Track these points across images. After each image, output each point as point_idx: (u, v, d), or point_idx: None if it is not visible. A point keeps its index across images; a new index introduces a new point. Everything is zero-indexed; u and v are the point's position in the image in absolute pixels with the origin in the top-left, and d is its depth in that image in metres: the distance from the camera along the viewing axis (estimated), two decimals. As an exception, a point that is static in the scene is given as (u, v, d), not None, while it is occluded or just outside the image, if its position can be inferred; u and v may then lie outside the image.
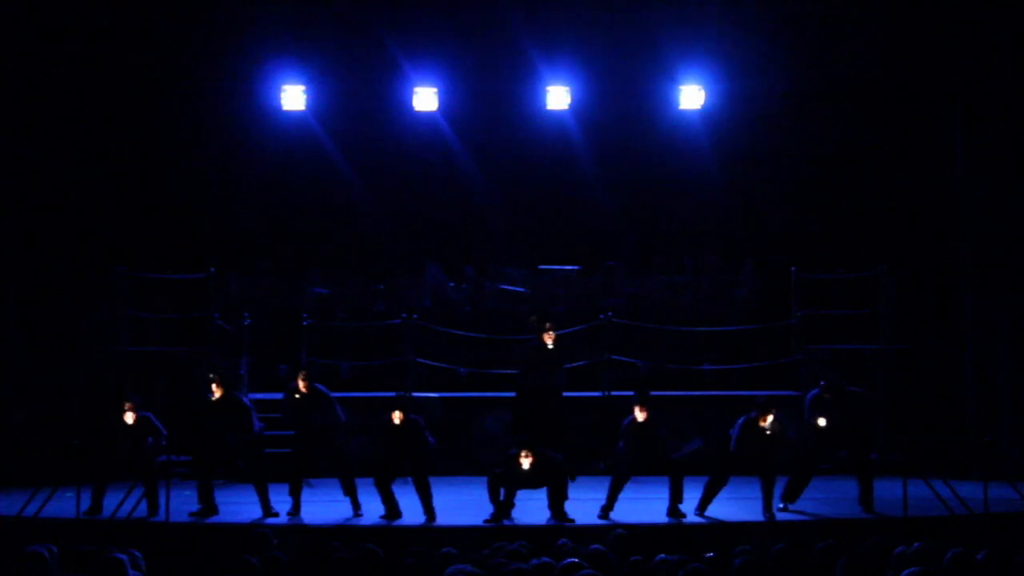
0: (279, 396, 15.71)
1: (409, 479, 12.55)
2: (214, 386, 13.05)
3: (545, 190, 18.91)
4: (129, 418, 13.05)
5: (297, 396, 13.24)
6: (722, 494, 12.67)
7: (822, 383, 13.29)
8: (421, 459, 12.62)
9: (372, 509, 12.68)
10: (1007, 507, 12.39)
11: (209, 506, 12.72)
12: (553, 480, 12.39)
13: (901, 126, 17.53)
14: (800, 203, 18.25)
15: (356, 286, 18.06)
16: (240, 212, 18.30)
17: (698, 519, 12.45)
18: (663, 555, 8.22)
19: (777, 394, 16.24)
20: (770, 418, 12.67)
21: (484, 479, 12.65)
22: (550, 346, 14.82)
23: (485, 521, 12.15)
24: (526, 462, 12.35)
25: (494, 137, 18.62)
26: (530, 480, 12.43)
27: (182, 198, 18.10)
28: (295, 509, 12.73)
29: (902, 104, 17.37)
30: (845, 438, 13.12)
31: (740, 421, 12.85)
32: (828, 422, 13.04)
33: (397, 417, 12.72)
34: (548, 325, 14.84)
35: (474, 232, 18.89)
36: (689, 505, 12.58)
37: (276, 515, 12.60)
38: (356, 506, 12.74)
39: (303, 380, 13.30)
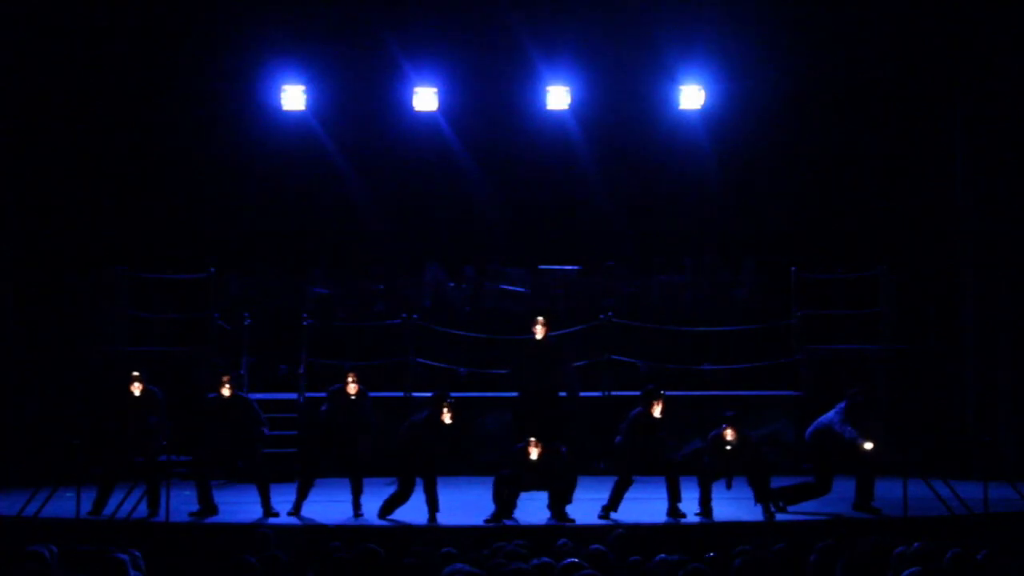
0: (280, 396, 15.80)
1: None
2: (226, 385, 13.00)
3: (545, 190, 18.91)
4: (136, 389, 13.06)
5: (352, 398, 13.14)
6: (723, 494, 12.66)
7: (854, 391, 13.14)
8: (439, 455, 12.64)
9: (372, 509, 12.67)
10: (1007, 507, 12.39)
11: (208, 506, 12.71)
12: (557, 483, 12.37)
13: (901, 126, 17.53)
14: (800, 203, 18.26)
15: (356, 286, 18.06)
16: (240, 212, 18.30)
17: (697, 519, 12.43)
18: (663, 555, 8.22)
19: (777, 394, 16.31)
20: (729, 434, 12.66)
21: (484, 479, 12.64)
22: (539, 337, 14.65)
23: (486, 521, 12.15)
24: (534, 452, 12.35)
25: (494, 137, 18.62)
26: (535, 482, 12.43)
27: (182, 198, 18.10)
28: (296, 508, 12.71)
29: (902, 104, 17.37)
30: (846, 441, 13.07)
31: (711, 434, 12.87)
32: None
33: (449, 417, 12.65)
34: (538, 319, 14.63)
35: (474, 232, 18.89)
36: (690, 506, 12.57)
37: (276, 515, 12.59)
38: (357, 507, 12.72)
39: (355, 383, 13.16)
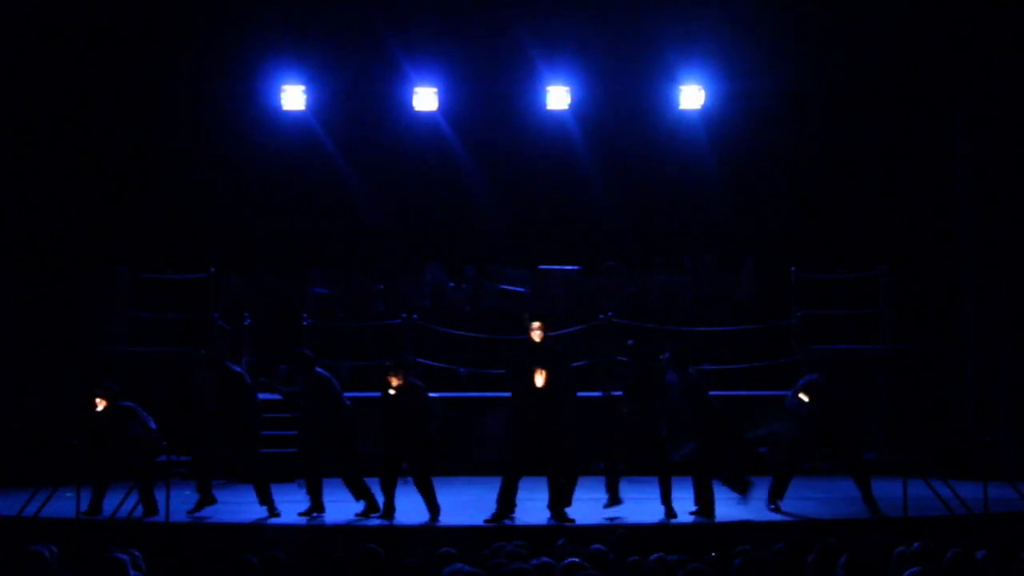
0: (280, 397, 15.77)
1: (410, 479, 12.51)
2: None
3: (545, 190, 18.92)
4: (100, 405, 12.79)
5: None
6: (723, 494, 12.63)
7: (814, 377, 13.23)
8: (421, 445, 12.42)
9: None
10: (1007, 507, 12.38)
11: (206, 497, 12.60)
12: (558, 475, 12.29)
13: (901, 126, 17.54)
14: (800, 203, 18.27)
15: (356, 286, 18.08)
16: (240, 212, 18.31)
17: (697, 519, 12.40)
18: (659, 554, 8.20)
19: (777, 394, 16.30)
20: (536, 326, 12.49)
21: (484, 479, 12.61)
22: (537, 340, 13.33)
23: (486, 521, 12.13)
24: (540, 378, 12.19)
25: (494, 137, 18.63)
26: (537, 421, 12.27)
27: (182, 198, 18.11)
28: (312, 510, 12.62)
29: (902, 104, 17.38)
30: (833, 440, 13.05)
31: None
32: (815, 424, 12.93)
33: (394, 381, 12.35)
34: (534, 324, 13.28)
35: (474, 232, 18.90)
36: (689, 506, 12.54)
37: (278, 515, 12.53)
38: (373, 505, 12.56)
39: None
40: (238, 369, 13.06)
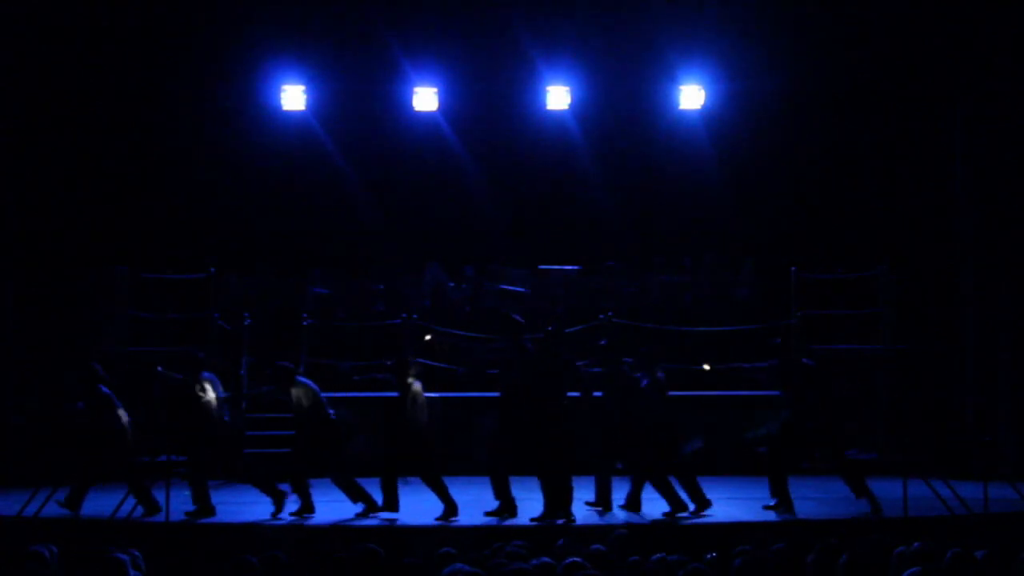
0: (280, 397, 15.75)
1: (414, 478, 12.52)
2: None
3: (545, 190, 18.93)
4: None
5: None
6: (723, 494, 12.63)
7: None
8: (419, 445, 12.37)
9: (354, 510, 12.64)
10: (1007, 507, 12.38)
11: (205, 508, 12.55)
12: (546, 479, 12.28)
13: (901, 126, 17.55)
14: (800, 203, 18.27)
15: (356, 286, 18.08)
16: (240, 212, 18.31)
17: (694, 519, 12.39)
18: (659, 554, 8.21)
19: (777, 394, 16.30)
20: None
21: (484, 479, 12.59)
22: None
23: (486, 513, 12.13)
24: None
25: (494, 137, 18.65)
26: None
27: (182, 198, 18.12)
28: (304, 509, 12.60)
29: (902, 104, 17.38)
30: (819, 439, 13.02)
31: None
32: (800, 422, 12.86)
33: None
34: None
35: (474, 232, 18.91)
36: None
37: (286, 497, 12.47)
38: (372, 504, 12.56)
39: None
40: (208, 376, 13.10)
